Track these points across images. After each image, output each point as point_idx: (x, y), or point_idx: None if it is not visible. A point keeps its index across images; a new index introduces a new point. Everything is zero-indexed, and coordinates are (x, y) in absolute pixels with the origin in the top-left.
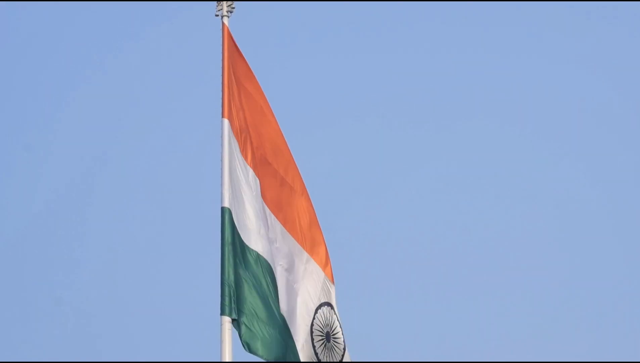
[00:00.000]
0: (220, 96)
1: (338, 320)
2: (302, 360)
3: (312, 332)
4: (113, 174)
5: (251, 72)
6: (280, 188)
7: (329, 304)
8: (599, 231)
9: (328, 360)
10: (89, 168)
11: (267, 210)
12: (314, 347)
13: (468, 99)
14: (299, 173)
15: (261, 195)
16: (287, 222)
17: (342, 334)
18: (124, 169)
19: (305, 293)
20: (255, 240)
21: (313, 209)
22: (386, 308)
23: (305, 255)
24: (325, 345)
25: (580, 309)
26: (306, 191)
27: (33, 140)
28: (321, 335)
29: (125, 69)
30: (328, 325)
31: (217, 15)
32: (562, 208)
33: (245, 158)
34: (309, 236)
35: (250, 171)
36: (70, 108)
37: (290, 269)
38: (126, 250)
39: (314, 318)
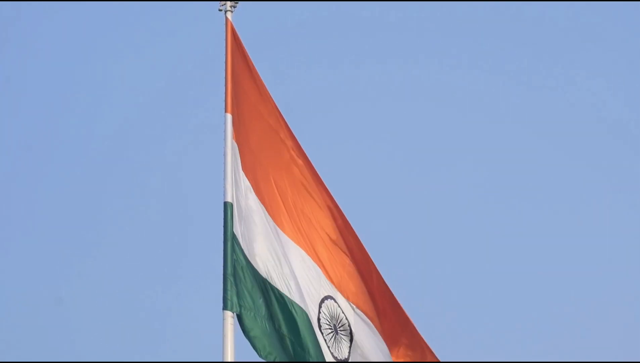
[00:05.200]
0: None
1: (343, 312)
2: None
3: (320, 326)
4: (114, 173)
5: (255, 69)
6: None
7: (331, 297)
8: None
9: (338, 354)
10: (92, 166)
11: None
12: (325, 340)
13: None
14: (307, 158)
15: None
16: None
17: (349, 325)
18: (124, 167)
19: (306, 287)
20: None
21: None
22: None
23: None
24: (335, 338)
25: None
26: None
27: (35, 141)
28: (330, 329)
29: (124, 67)
30: (334, 317)
31: (220, 10)
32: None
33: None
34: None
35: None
36: (72, 106)
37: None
38: (126, 247)
39: (319, 312)
